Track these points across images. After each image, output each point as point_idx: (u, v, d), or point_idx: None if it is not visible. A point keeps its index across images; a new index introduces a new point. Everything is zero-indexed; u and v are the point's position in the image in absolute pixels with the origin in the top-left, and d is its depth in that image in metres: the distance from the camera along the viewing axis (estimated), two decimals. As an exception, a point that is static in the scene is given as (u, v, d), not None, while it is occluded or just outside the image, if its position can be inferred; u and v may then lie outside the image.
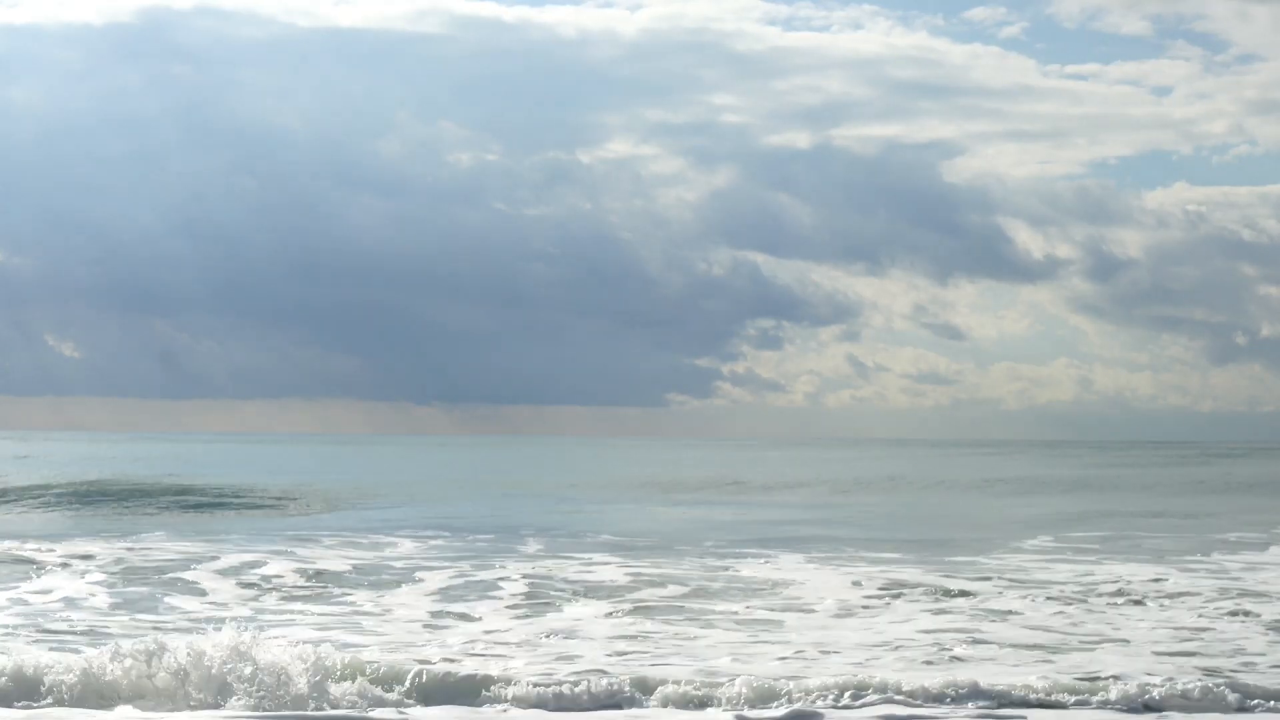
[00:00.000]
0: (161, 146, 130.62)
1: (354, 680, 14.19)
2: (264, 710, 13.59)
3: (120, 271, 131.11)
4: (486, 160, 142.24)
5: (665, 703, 14.02)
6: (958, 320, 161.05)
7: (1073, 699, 14.14)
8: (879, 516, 43.51)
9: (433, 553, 28.52)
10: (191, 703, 13.80)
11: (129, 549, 28.46)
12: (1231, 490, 61.38)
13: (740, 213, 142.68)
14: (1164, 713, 13.93)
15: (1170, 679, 14.52)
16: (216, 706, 13.72)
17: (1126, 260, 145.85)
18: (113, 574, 24.07)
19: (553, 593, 22.27)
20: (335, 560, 26.58)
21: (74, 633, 18.01)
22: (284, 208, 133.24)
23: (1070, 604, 21.05)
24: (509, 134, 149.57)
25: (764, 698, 14.01)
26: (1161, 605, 20.95)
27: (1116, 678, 14.76)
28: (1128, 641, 17.71)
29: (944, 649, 17.06)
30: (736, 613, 20.11)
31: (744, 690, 14.12)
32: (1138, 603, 21.22)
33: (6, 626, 18.36)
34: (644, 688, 14.24)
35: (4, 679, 13.99)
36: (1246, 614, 20.01)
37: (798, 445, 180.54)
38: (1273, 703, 14.08)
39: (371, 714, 13.65)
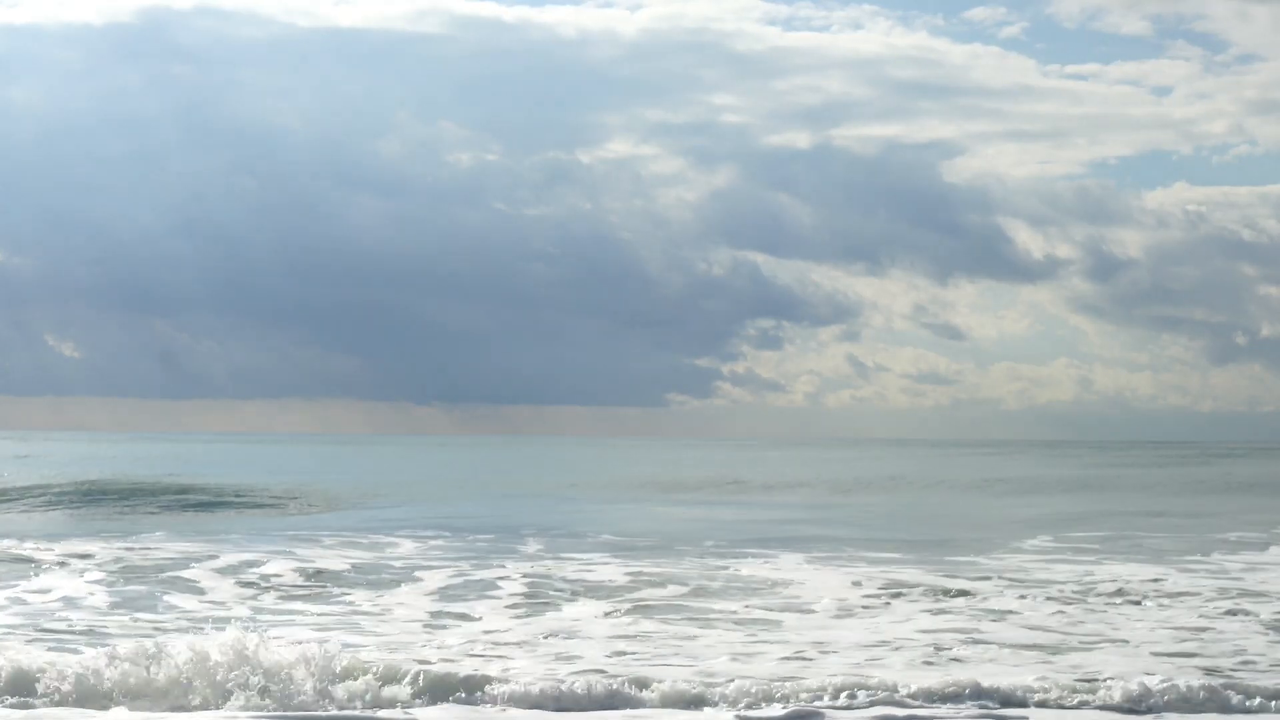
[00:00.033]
0: (161, 146, 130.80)
1: (358, 679, 14.16)
2: (266, 711, 13.59)
3: (120, 271, 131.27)
4: (486, 160, 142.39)
5: (665, 703, 14.01)
6: (958, 320, 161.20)
7: (1072, 699, 14.13)
8: (879, 516, 43.50)
9: (432, 552, 28.51)
10: (194, 703, 13.79)
11: (128, 548, 28.45)
12: (1231, 490, 61.36)
13: (740, 213, 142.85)
14: (1163, 713, 13.92)
15: (1170, 679, 14.51)
16: (217, 706, 13.71)
17: (1126, 260, 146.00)
18: (112, 573, 24.06)
19: (552, 592, 22.27)
20: (335, 560, 26.57)
21: (73, 632, 18.01)
22: (284, 208, 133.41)
23: (1070, 604, 21.04)
24: (509, 134, 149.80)
25: (764, 698, 14.00)
26: (1161, 605, 20.94)
27: (1116, 678, 14.75)
28: (1127, 641, 17.70)
29: (944, 649, 17.06)
30: (736, 613, 20.10)
31: (744, 690, 14.11)
32: (1137, 603, 21.21)
33: (5, 626, 18.35)
34: (644, 688, 14.22)
35: (-1, 682, 13.97)
36: (1246, 614, 20.00)
37: (798, 445, 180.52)
38: (1273, 703, 14.07)
39: (370, 714, 13.64)
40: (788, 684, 14.31)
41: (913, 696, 14.08)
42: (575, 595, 21.89)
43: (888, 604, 21.08)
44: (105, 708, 13.61)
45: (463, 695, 14.15)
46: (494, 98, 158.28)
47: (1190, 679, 14.58)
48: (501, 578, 23.78)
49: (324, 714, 13.58)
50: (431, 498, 51.71)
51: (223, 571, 24.53)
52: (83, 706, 13.66)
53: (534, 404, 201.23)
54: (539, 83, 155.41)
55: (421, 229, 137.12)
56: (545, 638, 17.86)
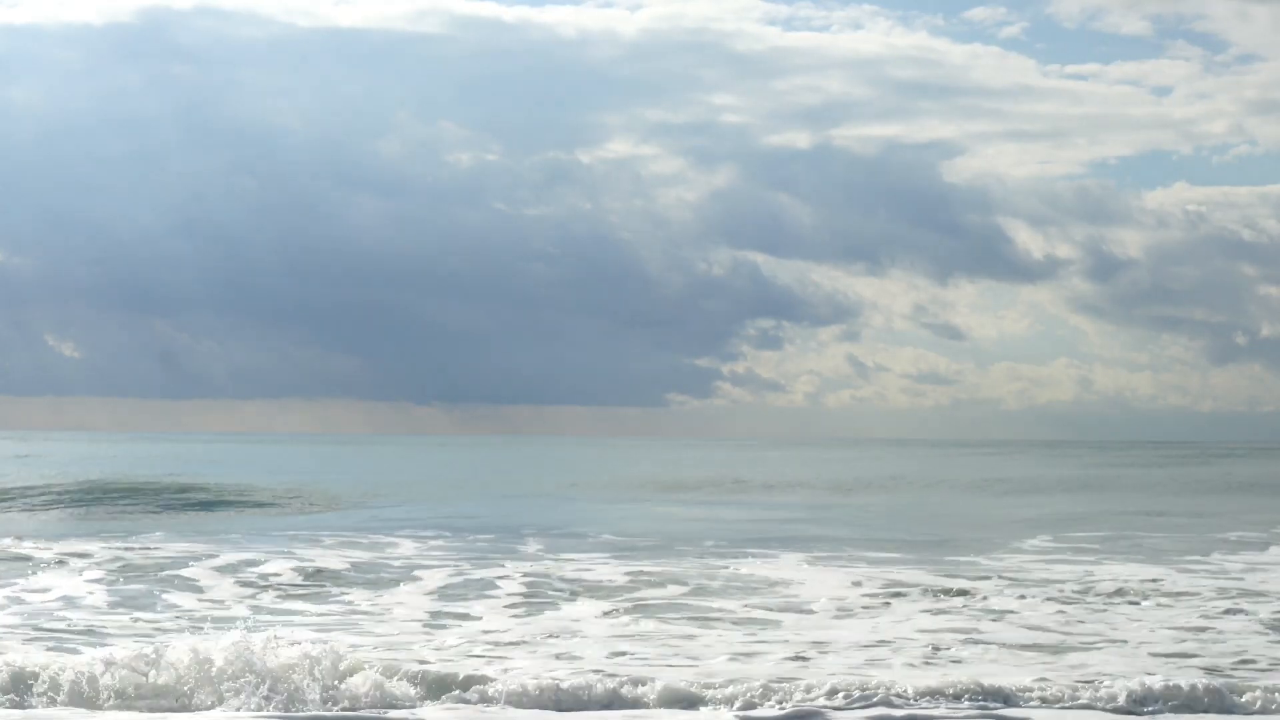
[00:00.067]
0: (161, 146, 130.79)
1: (358, 677, 14.13)
2: (269, 711, 13.58)
3: (120, 271, 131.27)
4: (486, 160, 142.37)
5: (664, 703, 13.99)
6: (958, 320, 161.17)
7: (1072, 699, 14.12)
8: (879, 516, 43.49)
9: (432, 552, 28.50)
10: (195, 703, 13.78)
11: (128, 548, 28.44)
12: (1231, 490, 61.35)
13: (740, 213, 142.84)
14: (1163, 713, 13.90)
15: (1169, 679, 14.50)
16: (217, 707, 13.71)
17: (1126, 260, 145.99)
18: (111, 572, 24.05)
19: (552, 592, 22.26)
20: (334, 559, 26.55)
21: (72, 631, 18.00)
22: (284, 208, 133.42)
23: (1070, 604, 21.03)
24: (509, 134, 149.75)
25: (764, 698, 13.99)
26: (1161, 605, 20.93)
27: (1116, 678, 14.73)
28: (1127, 641, 17.69)
29: (943, 649, 17.05)
30: (735, 612, 20.09)
31: (743, 690, 14.10)
32: (1137, 603, 21.20)
33: (4, 626, 18.33)
34: (643, 688, 14.21)
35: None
36: (1246, 614, 19.99)
37: (798, 445, 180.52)
38: (1273, 703, 14.05)
39: (370, 714, 13.62)
40: (787, 684, 14.30)
41: (912, 696, 14.06)
42: (575, 595, 21.89)
43: (887, 604, 21.07)
44: (104, 708, 13.61)
45: (463, 695, 14.14)
46: (494, 98, 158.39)
47: (1190, 679, 14.57)
48: (501, 577, 23.77)
49: (325, 714, 13.57)
50: (431, 498, 51.70)
51: (222, 570, 24.51)
52: (80, 706, 13.65)
53: (534, 404, 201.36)
54: (539, 83, 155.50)
55: (421, 229, 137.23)
56: (545, 638, 17.85)
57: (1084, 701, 14.07)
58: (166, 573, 24.16)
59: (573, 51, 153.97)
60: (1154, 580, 23.79)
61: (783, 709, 13.78)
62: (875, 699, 14.01)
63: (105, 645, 16.86)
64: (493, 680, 14.36)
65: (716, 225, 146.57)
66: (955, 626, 18.84)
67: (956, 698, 14.05)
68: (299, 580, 23.56)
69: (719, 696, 14.04)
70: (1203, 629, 18.72)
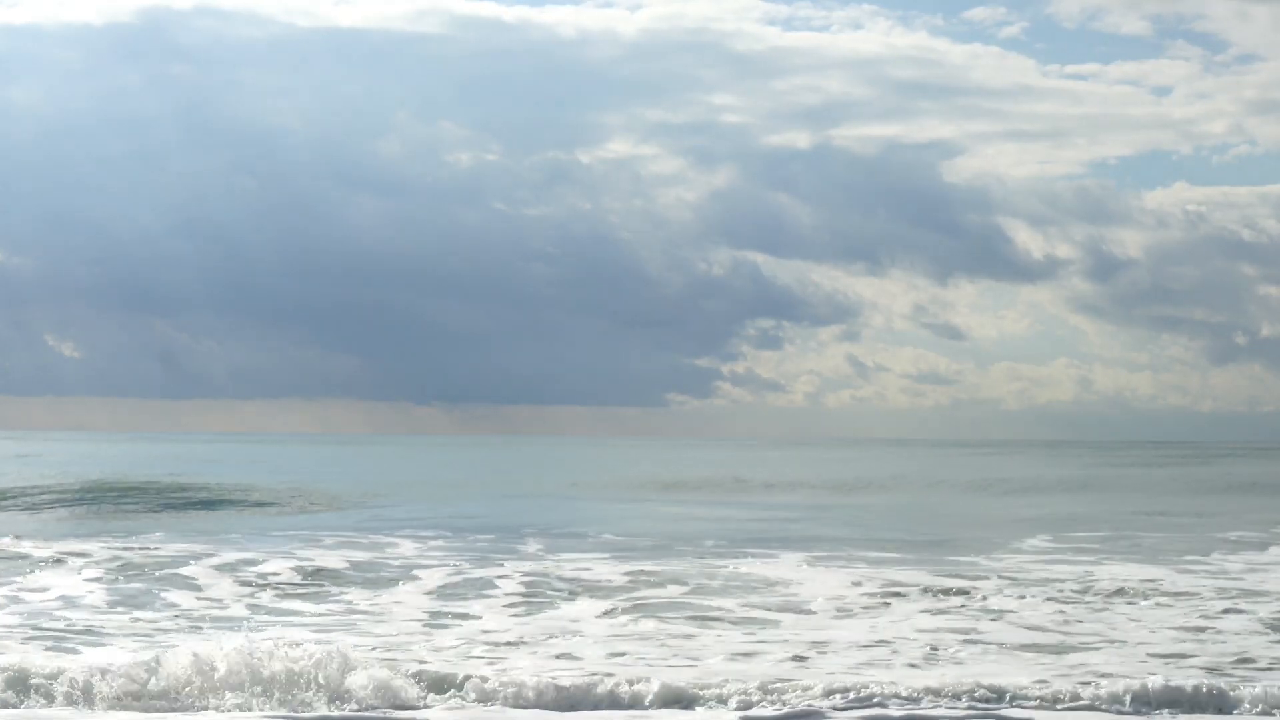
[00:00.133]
0: (161, 146, 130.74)
1: (367, 682, 14.10)
2: (272, 712, 13.58)
3: (120, 271, 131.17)
4: (486, 160, 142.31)
5: (664, 703, 13.99)
6: (958, 320, 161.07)
7: (1072, 699, 14.10)
8: (879, 516, 43.48)
9: (432, 552, 28.49)
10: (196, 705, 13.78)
11: (127, 547, 28.42)
12: (1231, 490, 61.32)
13: (740, 213, 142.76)
14: (1163, 713, 13.89)
15: (1169, 679, 14.49)
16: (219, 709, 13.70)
17: (1126, 260, 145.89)
18: (110, 571, 24.04)
19: (552, 592, 22.25)
20: (334, 559, 26.53)
21: (71, 631, 17.98)
22: (284, 208, 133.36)
23: (1069, 604, 21.02)
24: (509, 134, 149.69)
25: (763, 698, 13.98)
26: (1161, 605, 20.92)
27: (1116, 677, 14.72)
28: (1127, 641, 17.69)
29: (943, 649, 17.04)
30: (735, 612, 20.08)
31: (743, 690, 14.09)
32: (1136, 603, 21.19)
33: (4, 625, 18.32)
34: (643, 687, 14.20)
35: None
36: (1246, 614, 19.98)
37: (798, 445, 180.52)
38: (1273, 703, 14.04)
39: (370, 714, 13.62)
40: (787, 684, 14.29)
41: (912, 696, 14.05)
42: (575, 595, 21.88)
43: (887, 604, 21.06)
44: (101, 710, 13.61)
45: (462, 695, 14.13)
46: (494, 98, 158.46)
47: (1190, 679, 14.56)
48: (501, 577, 23.76)
49: (330, 714, 13.57)
50: (431, 498, 51.69)
51: (221, 570, 24.50)
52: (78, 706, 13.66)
53: (534, 404, 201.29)
54: (539, 83, 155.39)
55: (421, 229, 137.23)
56: (545, 638, 17.84)
57: (1084, 701, 14.06)
58: (165, 572, 24.14)
59: (572, 51, 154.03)
60: (1154, 580, 23.77)
61: (782, 709, 13.77)
62: (874, 699, 14.00)
63: (104, 645, 16.87)
64: (493, 680, 14.35)
65: (716, 225, 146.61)
66: (955, 626, 18.83)
67: (955, 698, 14.04)
68: (298, 580, 23.55)
69: (719, 696, 14.03)
70: (1202, 629, 18.71)
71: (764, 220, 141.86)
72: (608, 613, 20.06)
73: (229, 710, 13.61)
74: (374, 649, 16.56)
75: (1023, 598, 21.53)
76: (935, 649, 17.02)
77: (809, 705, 13.85)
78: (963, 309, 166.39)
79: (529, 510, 44.47)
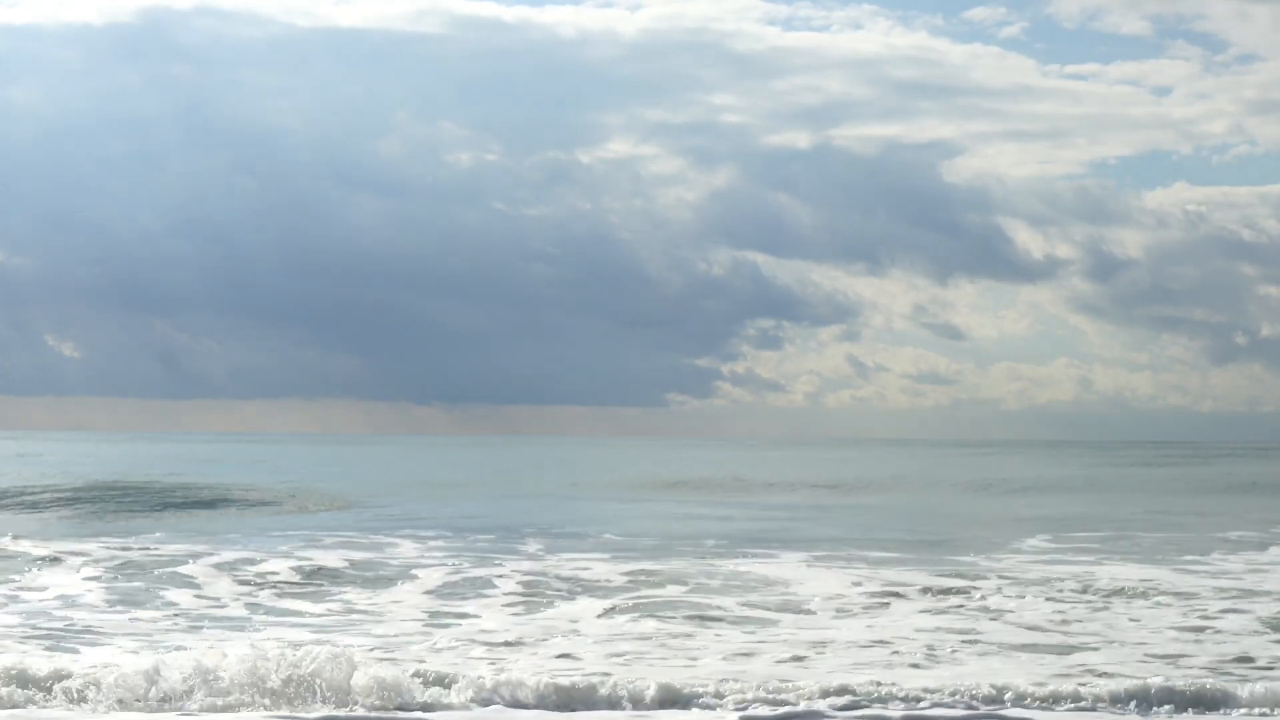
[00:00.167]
0: (161, 146, 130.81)
1: (370, 682, 14.08)
2: (272, 712, 13.58)
3: (120, 271, 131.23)
4: (486, 160, 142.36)
5: (663, 702, 13.98)
6: (958, 320, 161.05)
7: (1071, 699, 14.10)
8: (879, 516, 43.46)
9: (432, 552, 28.48)
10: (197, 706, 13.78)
11: (126, 547, 28.41)
12: (1231, 490, 61.32)
13: (740, 213, 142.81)
14: (1162, 713, 13.89)
15: (1169, 679, 14.48)
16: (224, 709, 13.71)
17: (1126, 260, 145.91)
18: (109, 571, 24.03)
19: (551, 592, 22.24)
20: (333, 559, 26.52)
21: (70, 630, 17.98)
22: (284, 208, 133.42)
23: (1069, 604, 21.01)
24: (509, 134, 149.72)
25: (763, 698, 13.98)
26: (1161, 605, 20.92)
27: (1116, 677, 14.72)
28: (1126, 641, 17.68)
29: (942, 649, 17.03)
30: (735, 612, 20.07)
31: (743, 690, 14.09)
32: (1136, 603, 21.18)
33: (3, 625, 18.31)
34: (643, 687, 14.19)
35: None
36: (1245, 614, 19.97)
37: (798, 445, 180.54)
38: (1273, 703, 14.03)
39: (370, 714, 13.62)
40: (786, 684, 14.29)
41: (911, 697, 14.05)
42: (574, 594, 21.87)
43: (886, 604, 21.06)
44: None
45: (462, 695, 14.12)
46: (494, 98, 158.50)
47: (1190, 679, 14.55)
48: (500, 576, 23.75)
49: (335, 714, 13.57)
50: (431, 498, 51.67)
51: (220, 569, 24.49)
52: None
53: (534, 404, 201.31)
54: (539, 83, 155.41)
55: (421, 229, 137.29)
56: (545, 638, 17.83)
57: (1084, 702, 14.05)
58: (165, 571, 24.14)
59: (572, 51, 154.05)
60: (1153, 580, 23.77)
61: (781, 709, 13.76)
62: (874, 699, 14.00)
63: (103, 645, 16.87)
64: (492, 680, 14.34)
65: (716, 225, 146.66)
66: (954, 626, 18.83)
67: (956, 698, 14.04)
68: (297, 579, 23.54)
69: (718, 696, 14.03)
70: (1202, 629, 18.71)
71: (764, 220, 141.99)
72: (607, 612, 20.06)
73: (230, 710, 13.60)
74: (373, 649, 16.56)
75: (1022, 598, 21.53)
76: (934, 649, 17.02)
77: (808, 705, 13.85)
78: (963, 309, 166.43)
79: (529, 510, 44.46)
